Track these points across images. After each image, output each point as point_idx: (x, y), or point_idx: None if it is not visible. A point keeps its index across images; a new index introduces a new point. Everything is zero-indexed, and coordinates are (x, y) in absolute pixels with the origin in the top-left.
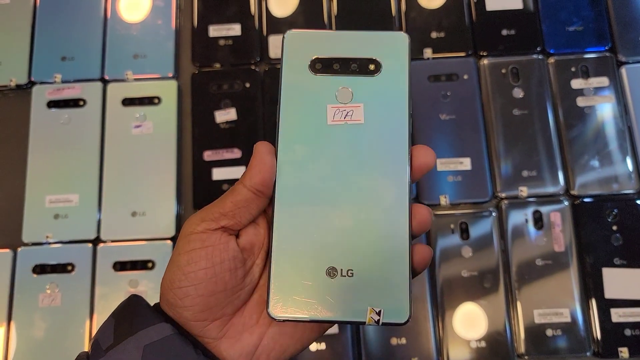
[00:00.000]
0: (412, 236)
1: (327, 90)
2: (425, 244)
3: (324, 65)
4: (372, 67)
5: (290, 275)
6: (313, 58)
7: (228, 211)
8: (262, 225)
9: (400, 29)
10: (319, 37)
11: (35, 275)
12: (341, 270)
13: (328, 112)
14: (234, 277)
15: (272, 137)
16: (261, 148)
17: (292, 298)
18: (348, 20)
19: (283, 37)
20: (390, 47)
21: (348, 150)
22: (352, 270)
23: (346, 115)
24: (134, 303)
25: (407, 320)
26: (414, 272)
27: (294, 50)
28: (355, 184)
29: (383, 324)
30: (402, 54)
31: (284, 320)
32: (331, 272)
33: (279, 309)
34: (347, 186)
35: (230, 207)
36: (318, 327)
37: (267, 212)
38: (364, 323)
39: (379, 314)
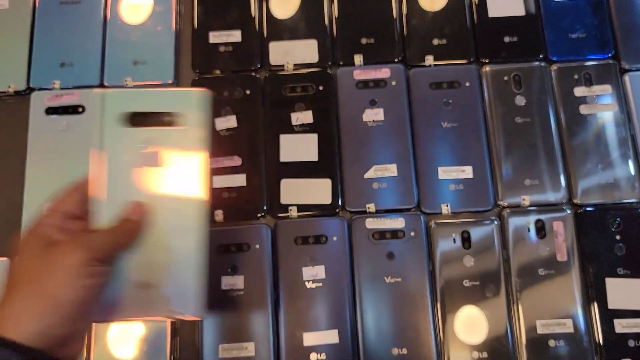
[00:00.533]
0: None
1: (137, 140)
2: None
3: (135, 119)
4: (172, 119)
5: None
6: (127, 113)
7: None
8: None
9: (402, 35)
10: (132, 95)
11: None
12: (142, 282)
13: (137, 159)
14: None
15: (273, 144)
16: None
17: (110, 304)
18: (349, 22)
19: (103, 95)
20: (190, 102)
21: (151, 189)
22: (151, 282)
23: (150, 160)
24: None
25: (201, 315)
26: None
27: (111, 107)
28: (156, 215)
29: (180, 319)
30: (200, 108)
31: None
32: (137, 284)
33: (101, 315)
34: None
35: None
36: None
37: None
38: (164, 320)
39: (175, 311)
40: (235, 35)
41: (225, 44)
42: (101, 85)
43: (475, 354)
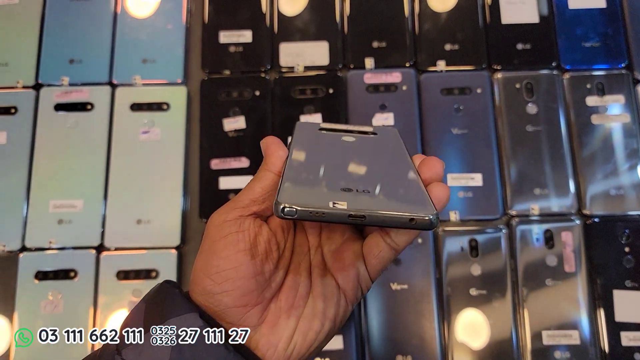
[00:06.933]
0: None
1: (336, 137)
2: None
3: (329, 130)
4: (370, 133)
5: (302, 183)
6: (320, 127)
7: (257, 197)
8: None
9: (414, 39)
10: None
11: (37, 282)
12: (357, 189)
13: (343, 138)
14: (270, 260)
15: None
16: (272, 139)
17: (305, 197)
18: (360, 20)
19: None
20: (383, 131)
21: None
22: (368, 190)
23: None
24: (165, 289)
25: (436, 220)
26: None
27: (303, 128)
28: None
29: (414, 220)
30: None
31: (294, 218)
32: (346, 190)
33: (288, 201)
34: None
35: (259, 192)
36: (352, 298)
37: None
38: (390, 225)
39: (409, 212)
40: (246, 36)
41: (236, 44)
42: (110, 83)
43: None
